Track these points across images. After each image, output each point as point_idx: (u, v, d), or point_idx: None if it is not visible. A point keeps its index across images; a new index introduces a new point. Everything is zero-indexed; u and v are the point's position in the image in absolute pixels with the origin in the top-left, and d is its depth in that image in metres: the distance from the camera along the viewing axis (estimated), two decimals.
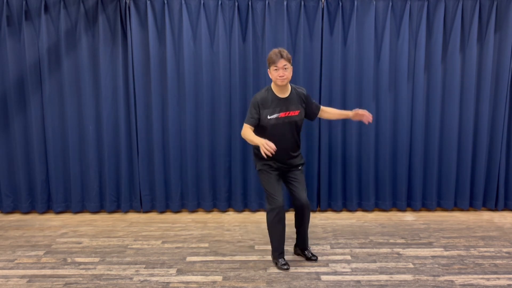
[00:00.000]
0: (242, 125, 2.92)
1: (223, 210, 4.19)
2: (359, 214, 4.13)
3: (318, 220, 3.94)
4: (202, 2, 3.83)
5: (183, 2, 3.82)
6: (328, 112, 3.15)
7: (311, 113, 3.03)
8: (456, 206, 4.21)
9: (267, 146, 2.60)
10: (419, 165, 4.08)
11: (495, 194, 4.14)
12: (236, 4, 3.84)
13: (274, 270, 2.91)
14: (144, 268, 2.96)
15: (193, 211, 4.21)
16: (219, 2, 3.83)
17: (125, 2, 3.86)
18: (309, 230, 3.63)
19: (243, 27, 3.91)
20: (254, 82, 3.95)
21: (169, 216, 4.09)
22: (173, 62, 3.91)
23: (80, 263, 3.04)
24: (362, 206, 4.19)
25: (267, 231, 2.97)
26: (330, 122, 4.02)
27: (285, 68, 2.75)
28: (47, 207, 4.18)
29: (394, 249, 3.25)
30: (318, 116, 3.12)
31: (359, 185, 4.15)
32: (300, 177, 2.95)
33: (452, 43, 3.91)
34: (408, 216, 4.04)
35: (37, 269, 2.95)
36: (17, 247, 3.35)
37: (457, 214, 4.10)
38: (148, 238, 3.52)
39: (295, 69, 3.93)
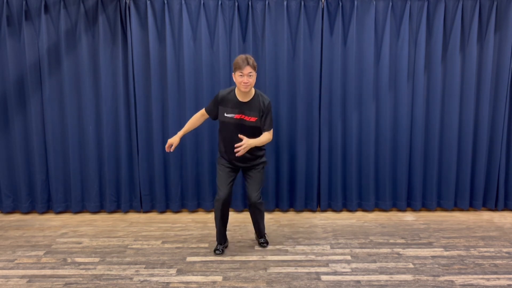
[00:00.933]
0: None
1: None
2: (359, 214, 4.13)
3: (318, 220, 3.94)
4: (202, 2, 3.83)
5: (183, 2, 3.82)
6: (260, 137, 3.05)
7: (261, 125, 3.04)
8: (456, 206, 4.21)
9: (167, 145, 3.16)
10: (419, 165, 4.08)
11: (495, 194, 4.14)
12: (236, 4, 3.84)
13: (274, 270, 2.91)
14: (144, 268, 2.96)
15: (193, 211, 4.21)
16: (219, 2, 3.83)
17: (125, 2, 3.86)
18: (309, 230, 3.67)
19: (243, 27, 3.91)
20: None
21: (169, 216, 4.09)
22: (173, 62, 3.91)
23: (80, 263, 3.04)
24: (362, 206, 4.19)
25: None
26: (330, 122, 4.02)
27: (250, 75, 2.87)
28: (47, 207, 4.18)
29: (394, 249, 3.25)
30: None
31: (359, 185, 4.15)
32: (255, 176, 3.11)
33: (452, 43, 3.91)
34: (408, 216, 4.04)
35: (37, 269, 2.95)
36: (17, 247, 3.35)
37: (457, 214, 4.11)
38: (148, 238, 3.52)
39: (295, 69, 3.94)
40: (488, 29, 3.89)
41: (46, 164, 4.08)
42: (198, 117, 3.21)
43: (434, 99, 3.99)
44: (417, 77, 3.95)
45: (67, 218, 4.04)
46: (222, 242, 3.24)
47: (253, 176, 3.11)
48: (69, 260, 3.10)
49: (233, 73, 2.93)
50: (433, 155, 4.06)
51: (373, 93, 3.97)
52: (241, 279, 2.79)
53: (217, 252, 3.18)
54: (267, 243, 3.34)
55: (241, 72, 2.86)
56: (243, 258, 3.11)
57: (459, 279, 2.76)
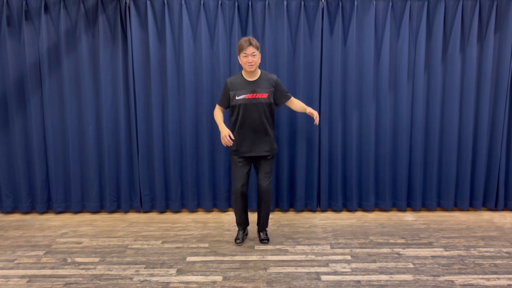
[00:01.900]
0: None
1: (223, 210, 4.19)
2: (359, 214, 4.13)
3: (318, 220, 3.94)
4: (202, 2, 3.83)
5: (183, 2, 3.82)
6: (295, 104, 3.39)
7: (278, 98, 3.27)
8: (456, 206, 4.21)
9: (226, 139, 3.11)
10: (419, 165, 4.08)
11: (495, 194, 4.14)
12: (236, 4, 3.84)
13: (274, 270, 2.91)
14: (144, 268, 2.96)
15: (193, 211, 4.21)
16: (219, 2, 3.83)
17: (125, 2, 3.86)
18: (309, 230, 3.67)
19: (243, 27, 3.91)
20: None
21: (169, 216, 4.09)
22: (173, 62, 3.91)
23: (80, 263, 3.04)
24: (362, 206, 4.19)
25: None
26: (330, 122, 4.02)
27: (254, 55, 3.06)
28: (47, 207, 4.18)
29: (394, 249, 3.25)
30: (286, 104, 3.37)
31: (359, 185, 4.15)
32: (264, 166, 3.24)
33: (452, 43, 3.91)
34: (408, 216, 4.05)
35: (37, 269, 2.95)
36: (17, 247, 3.35)
37: (457, 214, 4.11)
38: (148, 238, 3.52)
39: (295, 69, 3.94)
40: (488, 29, 3.89)
41: (46, 164, 4.08)
42: (219, 111, 3.33)
43: (434, 99, 3.99)
44: (417, 77, 3.96)
45: (67, 218, 4.05)
46: (243, 224, 3.38)
47: (262, 166, 3.25)
48: (69, 260, 3.10)
49: (238, 56, 3.12)
50: (433, 155, 4.06)
51: (373, 93, 3.97)
52: (241, 279, 2.79)
53: (237, 241, 3.33)
54: (267, 240, 3.37)
55: (245, 53, 3.04)
56: (243, 258, 3.11)
57: (459, 279, 2.76)
